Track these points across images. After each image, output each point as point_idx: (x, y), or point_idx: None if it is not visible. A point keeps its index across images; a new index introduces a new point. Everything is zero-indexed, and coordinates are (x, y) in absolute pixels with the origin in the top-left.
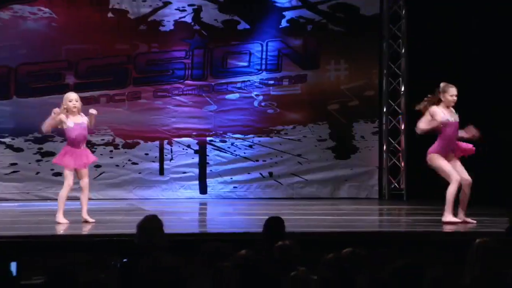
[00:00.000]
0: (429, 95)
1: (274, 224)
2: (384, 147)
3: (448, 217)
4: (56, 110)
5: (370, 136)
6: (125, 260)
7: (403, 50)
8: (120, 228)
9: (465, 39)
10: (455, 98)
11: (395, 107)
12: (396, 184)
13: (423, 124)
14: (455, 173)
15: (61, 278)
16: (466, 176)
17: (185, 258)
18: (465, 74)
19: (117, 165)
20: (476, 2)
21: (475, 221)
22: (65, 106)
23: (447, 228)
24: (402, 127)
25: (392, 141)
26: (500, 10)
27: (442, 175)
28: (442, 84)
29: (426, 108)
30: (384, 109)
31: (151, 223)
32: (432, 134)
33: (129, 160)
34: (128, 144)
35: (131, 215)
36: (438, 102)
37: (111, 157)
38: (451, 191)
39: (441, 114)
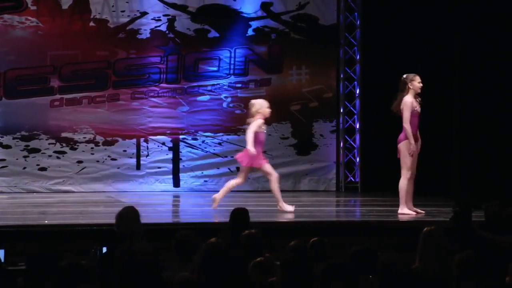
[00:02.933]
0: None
1: (239, 214)
2: (341, 144)
3: (403, 209)
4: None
5: (328, 134)
6: (105, 247)
7: (358, 57)
8: (100, 218)
9: (413, 47)
10: (421, 84)
11: (351, 108)
12: (351, 178)
13: (407, 122)
14: (412, 170)
15: (42, 264)
16: (415, 170)
17: (160, 245)
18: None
19: (98, 161)
20: (423, 13)
21: (423, 212)
22: (260, 111)
23: (401, 218)
24: (357, 126)
25: (348, 138)
26: (443, 20)
27: (402, 164)
28: (406, 75)
29: (399, 106)
30: (341, 110)
31: (129, 213)
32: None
33: (108, 156)
34: (107, 142)
35: (110, 207)
36: (406, 93)
37: (92, 154)
38: (402, 185)
39: (413, 103)
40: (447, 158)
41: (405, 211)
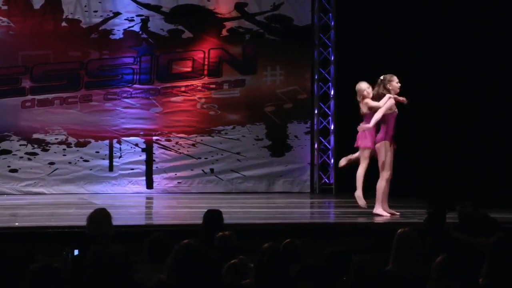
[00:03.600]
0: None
1: (213, 216)
2: (315, 145)
3: (378, 209)
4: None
5: (303, 135)
6: (76, 250)
7: (332, 57)
8: (72, 220)
9: (388, 47)
10: (399, 84)
11: (325, 109)
12: (326, 180)
13: (380, 114)
14: (390, 171)
15: (13, 266)
16: (392, 171)
17: (132, 247)
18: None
19: (70, 162)
20: (398, 13)
21: (398, 213)
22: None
23: (375, 219)
24: (332, 127)
25: (323, 140)
26: (418, 20)
27: (380, 165)
28: (383, 76)
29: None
30: (316, 111)
31: (100, 215)
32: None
33: (81, 157)
34: (80, 143)
35: (82, 209)
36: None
37: (64, 155)
38: (380, 186)
39: (393, 104)
40: (421, 159)
41: (379, 212)
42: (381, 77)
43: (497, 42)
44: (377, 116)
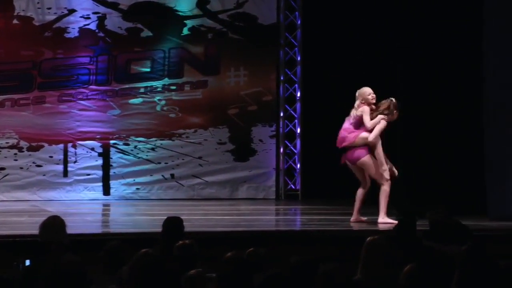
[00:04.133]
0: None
1: (173, 224)
2: (281, 149)
3: (384, 218)
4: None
5: (268, 139)
6: (28, 260)
7: (299, 58)
8: (23, 229)
9: (356, 47)
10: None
11: (291, 112)
12: (292, 185)
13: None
14: (368, 181)
15: None
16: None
17: (87, 257)
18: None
19: (22, 168)
20: (366, 12)
21: (366, 219)
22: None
23: (348, 227)
24: (298, 130)
25: (289, 144)
26: (386, 20)
27: (375, 177)
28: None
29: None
30: (281, 114)
31: (54, 223)
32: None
33: (33, 162)
34: (32, 147)
35: (34, 216)
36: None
37: (16, 160)
38: (385, 193)
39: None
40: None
41: (386, 220)
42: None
43: (467, 43)
44: (373, 140)
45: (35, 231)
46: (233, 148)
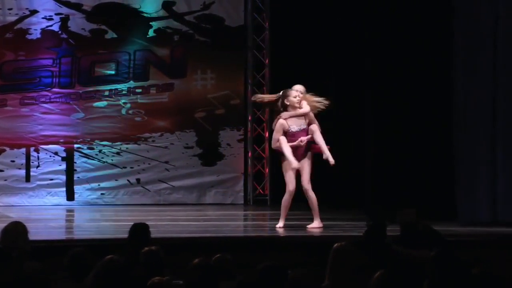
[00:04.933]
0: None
1: (139, 230)
2: (249, 154)
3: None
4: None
5: (236, 143)
6: None
7: (266, 60)
8: None
9: (325, 48)
10: (297, 98)
11: (260, 115)
12: (260, 190)
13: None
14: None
15: None
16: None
17: (51, 264)
18: (326, 82)
19: None
20: (335, 13)
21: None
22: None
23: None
24: (266, 134)
25: (257, 148)
26: (355, 20)
27: (308, 177)
28: (282, 91)
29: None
30: (249, 117)
31: (15, 228)
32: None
33: None
34: None
35: None
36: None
37: None
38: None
39: (284, 125)
40: (361, 168)
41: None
42: (281, 92)
43: (438, 43)
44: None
45: None
46: (200, 152)
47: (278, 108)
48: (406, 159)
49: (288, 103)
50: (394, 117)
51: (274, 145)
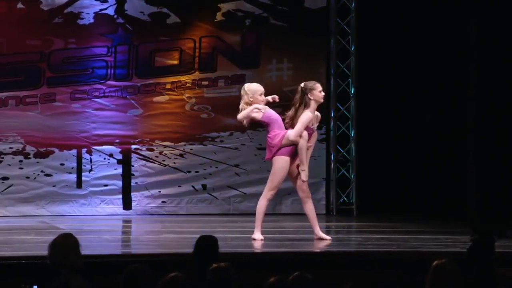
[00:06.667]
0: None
1: (206, 244)
2: (332, 156)
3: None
4: None
5: (317, 144)
6: (35, 285)
7: (353, 48)
8: (30, 249)
9: (419, 36)
10: (323, 93)
11: (344, 111)
12: (345, 198)
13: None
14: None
15: None
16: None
17: (105, 282)
18: (418, 73)
19: (28, 177)
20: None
21: (330, 238)
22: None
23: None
24: (353, 134)
25: (341, 149)
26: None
27: (269, 181)
28: (304, 83)
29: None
30: (332, 114)
31: (65, 242)
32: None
33: (41, 171)
34: (40, 153)
35: (43, 235)
36: (305, 106)
37: (21, 168)
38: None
39: (311, 119)
40: (463, 174)
41: (257, 236)
42: (302, 85)
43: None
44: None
45: (44, 251)
46: None
47: (295, 102)
48: None
49: (312, 98)
50: (500, 121)
51: (295, 137)
